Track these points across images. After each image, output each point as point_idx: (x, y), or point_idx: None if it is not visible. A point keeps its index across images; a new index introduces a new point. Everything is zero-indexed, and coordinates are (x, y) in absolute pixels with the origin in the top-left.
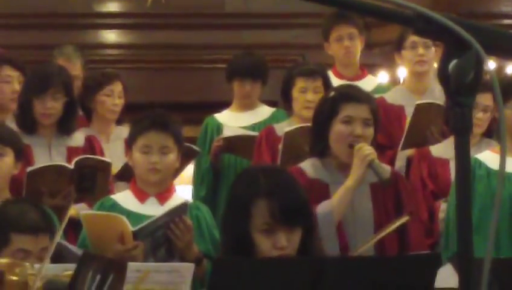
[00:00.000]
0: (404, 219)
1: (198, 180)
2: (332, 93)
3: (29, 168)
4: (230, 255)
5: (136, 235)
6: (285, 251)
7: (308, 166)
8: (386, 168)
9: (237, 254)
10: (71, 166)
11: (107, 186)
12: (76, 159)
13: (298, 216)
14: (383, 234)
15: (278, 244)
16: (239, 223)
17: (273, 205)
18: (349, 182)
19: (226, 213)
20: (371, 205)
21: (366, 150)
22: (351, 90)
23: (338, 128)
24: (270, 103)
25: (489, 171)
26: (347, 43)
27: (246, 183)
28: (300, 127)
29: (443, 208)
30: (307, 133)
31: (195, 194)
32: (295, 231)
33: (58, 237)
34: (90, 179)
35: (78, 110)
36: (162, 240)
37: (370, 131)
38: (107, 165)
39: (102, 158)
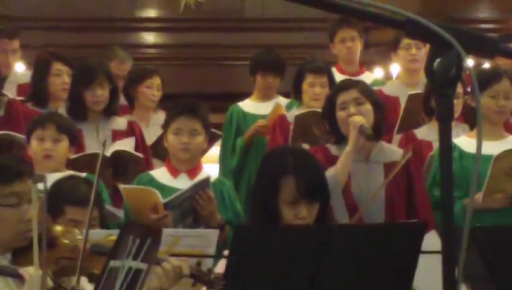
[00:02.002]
0: (404, 159)
1: (227, 154)
2: (330, 91)
3: (73, 156)
4: (258, 222)
5: (166, 206)
6: (305, 221)
7: (333, 147)
8: (395, 150)
9: (265, 221)
10: (108, 154)
11: (139, 172)
12: (114, 149)
13: (319, 193)
14: (389, 177)
15: (300, 215)
16: (268, 195)
17: (299, 182)
18: (348, 147)
19: (257, 186)
20: (383, 179)
21: (356, 118)
22: (340, 83)
23: (339, 115)
24: (283, 94)
25: (462, 153)
26: (349, 44)
27: (276, 161)
28: (308, 111)
29: None
30: (314, 117)
31: (224, 168)
32: (314, 205)
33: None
34: (123, 169)
35: (119, 95)
36: (189, 210)
37: (366, 107)
38: (139, 159)
39: (137, 153)
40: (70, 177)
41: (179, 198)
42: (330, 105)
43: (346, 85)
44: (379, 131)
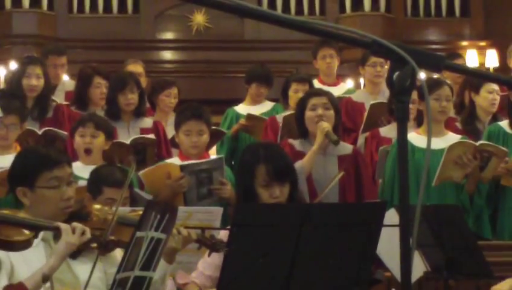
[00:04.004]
0: (340, 175)
1: (219, 145)
2: (302, 95)
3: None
4: (241, 202)
5: (182, 169)
6: (278, 200)
7: (296, 143)
8: (346, 146)
9: (245, 201)
10: (128, 142)
11: (154, 156)
12: (131, 138)
13: (286, 175)
14: (332, 183)
15: (273, 195)
16: (247, 181)
17: (269, 168)
18: (314, 147)
19: (237, 174)
20: (337, 170)
21: (324, 123)
22: (313, 90)
23: (308, 114)
24: (273, 100)
25: (413, 147)
26: (328, 60)
27: (250, 154)
28: (293, 113)
29: None
30: None
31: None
32: (285, 186)
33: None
34: (142, 151)
35: (146, 98)
36: (205, 181)
37: (330, 113)
38: (153, 141)
39: (149, 136)
40: (107, 164)
41: (194, 166)
42: (301, 106)
43: (318, 92)
44: (337, 132)
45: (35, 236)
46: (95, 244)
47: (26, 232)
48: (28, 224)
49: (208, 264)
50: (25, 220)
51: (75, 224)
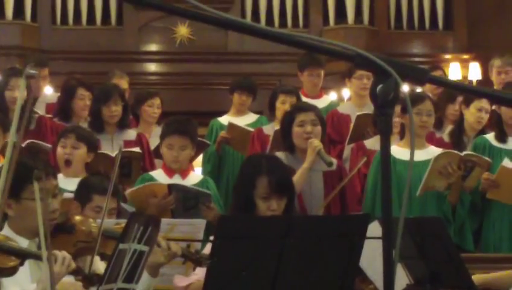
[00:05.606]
0: (334, 192)
1: (205, 160)
2: (289, 109)
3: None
4: (238, 213)
5: (170, 187)
6: (275, 212)
7: (283, 156)
8: (332, 159)
9: (243, 212)
10: (112, 155)
11: (140, 170)
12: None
13: (286, 189)
14: (327, 199)
15: (271, 207)
16: (246, 191)
17: (271, 180)
18: (305, 164)
19: (237, 184)
20: (322, 185)
21: (315, 142)
22: (300, 104)
23: (296, 130)
24: (257, 112)
25: (394, 160)
26: (316, 80)
27: (252, 165)
28: None
29: None
30: None
31: (204, 170)
32: (283, 199)
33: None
34: (127, 166)
35: (129, 110)
36: (193, 204)
37: (318, 129)
38: (138, 155)
39: (135, 150)
40: (97, 174)
41: (181, 187)
42: (288, 121)
43: (305, 107)
44: (323, 145)
45: (21, 263)
46: (79, 277)
47: (13, 258)
48: (14, 251)
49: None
50: (12, 247)
51: (57, 253)
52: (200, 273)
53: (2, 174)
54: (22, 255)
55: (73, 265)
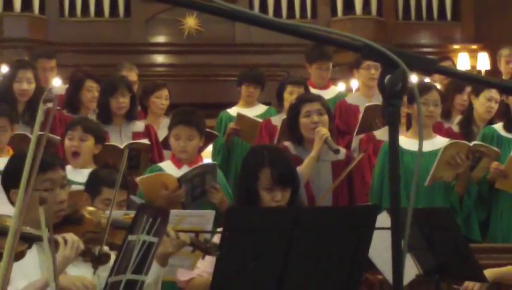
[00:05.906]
0: (340, 178)
1: (215, 153)
2: (294, 101)
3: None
4: (242, 205)
5: (180, 181)
6: (279, 203)
7: (291, 146)
8: (340, 147)
9: (247, 204)
10: (121, 146)
11: (148, 162)
12: (125, 143)
13: (289, 180)
14: (335, 184)
15: (275, 198)
16: (250, 183)
17: (273, 172)
18: (313, 153)
19: (241, 176)
20: (331, 175)
21: (323, 130)
22: (305, 95)
23: (303, 121)
24: (265, 103)
25: (401, 150)
26: (324, 74)
27: (255, 156)
28: None
29: None
30: None
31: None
32: (287, 190)
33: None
34: (136, 158)
35: (137, 102)
36: (198, 183)
37: (324, 117)
38: (147, 147)
39: (144, 141)
40: (107, 166)
41: (189, 174)
42: (295, 112)
43: (310, 98)
44: (331, 135)
45: (29, 247)
46: (88, 258)
47: (21, 242)
48: (23, 235)
49: (209, 263)
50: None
51: (67, 236)
52: (201, 267)
53: (25, 171)
54: (29, 239)
55: (82, 246)
